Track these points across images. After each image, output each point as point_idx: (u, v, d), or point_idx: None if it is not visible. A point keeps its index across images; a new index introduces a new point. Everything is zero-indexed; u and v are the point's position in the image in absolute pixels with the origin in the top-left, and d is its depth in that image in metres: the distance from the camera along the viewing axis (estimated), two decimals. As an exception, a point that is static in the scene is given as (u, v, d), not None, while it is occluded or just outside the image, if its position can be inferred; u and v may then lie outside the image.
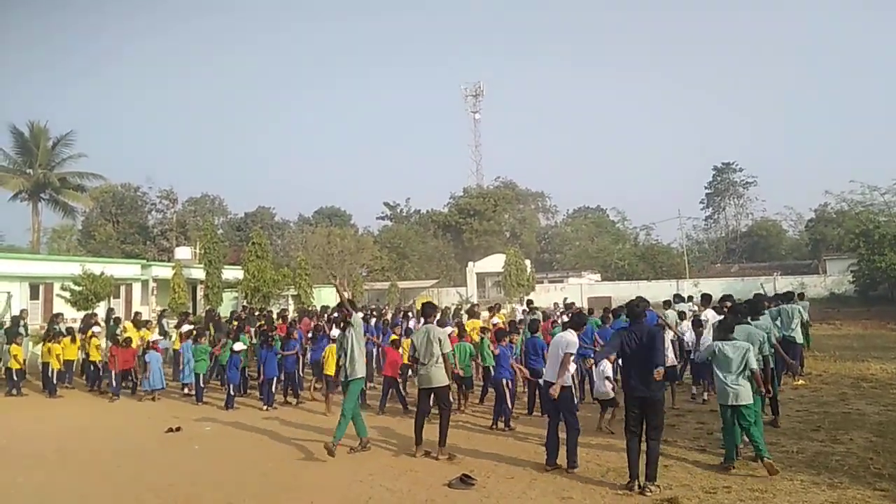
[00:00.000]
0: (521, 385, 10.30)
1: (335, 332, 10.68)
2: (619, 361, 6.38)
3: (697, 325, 10.14)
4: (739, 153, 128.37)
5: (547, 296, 34.97)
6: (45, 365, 12.89)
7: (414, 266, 46.98)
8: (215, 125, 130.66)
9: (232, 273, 26.35)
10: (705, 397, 10.03)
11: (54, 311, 16.52)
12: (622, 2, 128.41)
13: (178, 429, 9.21)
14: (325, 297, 29.24)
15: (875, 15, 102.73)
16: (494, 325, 12.42)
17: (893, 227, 31.18)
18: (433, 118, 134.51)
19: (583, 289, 39.84)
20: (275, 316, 16.06)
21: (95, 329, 13.80)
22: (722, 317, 8.61)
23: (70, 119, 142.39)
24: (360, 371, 7.78)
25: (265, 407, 10.66)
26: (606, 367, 8.66)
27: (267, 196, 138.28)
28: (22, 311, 16.24)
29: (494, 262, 40.22)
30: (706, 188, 64.95)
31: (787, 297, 12.08)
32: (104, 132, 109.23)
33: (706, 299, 11.35)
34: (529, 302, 17.89)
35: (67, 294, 17.66)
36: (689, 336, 10.46)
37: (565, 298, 24.66)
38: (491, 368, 9.50)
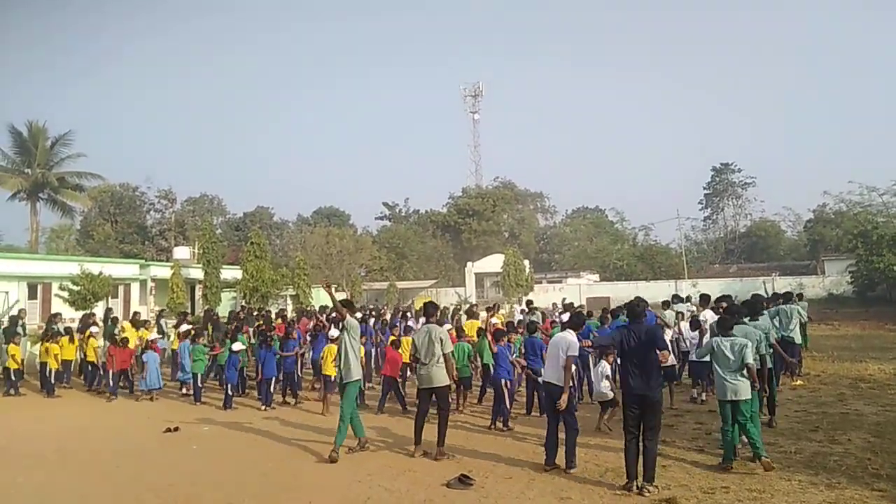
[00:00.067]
0: (520, 385, 10.31)
1: (334, 332, 10.68)
2: (618, 360, 6.39)
3: (696, 325, 10.15)
4: (739, 153, 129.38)
5: (546, 296, 34.98)
6: (43, 365, 12.87)
7: (413, 266, 47.03)
8: (215, 125, 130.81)
9: (230, 273, 26.35)
10: (704, 398, 10.04)
11: (52, 311, 16.52)
12: (622, 2, 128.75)
13: (176, 429, 9.20)
14: (324, 297, 29.14)
15: (875, 15, 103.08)
16: (493, 325, 12.41)
17: (892, 227, 31.27)
18: (433, 118, 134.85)
19: (581, 289, 39.86)
20: (273, 316, 16.08)
21: (93, 329, 13.76)
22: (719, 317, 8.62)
23: (69, 119, 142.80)
24: (356, 373, 7.74)
25: (264, 407, 10.67)
26: (605, 367, 8.71)
27: (266, 196, 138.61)
28: (20, 310, 16.22)
29: (493, 263, 40.26)
30: (705, 189, 65.06)
31: (787, 297, 12.17)
32: (103, 132, 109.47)
33: (704, 300, 11.37)
34: (529, 302, 17.87)
35: (66, 294, 17.67)
36: (687, 334, 10.48)
37: (564, 299, 24.65)
38: (490, 367, 9.51)
